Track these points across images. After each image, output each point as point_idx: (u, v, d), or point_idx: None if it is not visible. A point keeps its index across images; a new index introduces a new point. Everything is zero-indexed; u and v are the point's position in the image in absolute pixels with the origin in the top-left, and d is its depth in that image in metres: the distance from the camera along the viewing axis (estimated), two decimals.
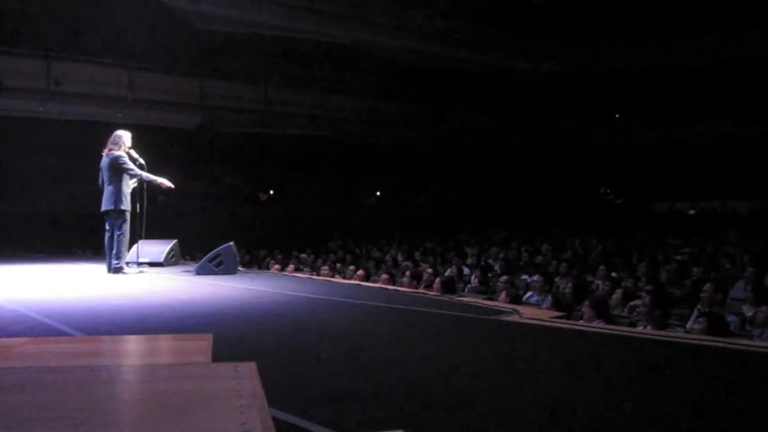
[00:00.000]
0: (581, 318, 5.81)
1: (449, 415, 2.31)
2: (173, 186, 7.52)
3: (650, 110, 22.67)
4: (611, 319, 5.55)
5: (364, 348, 3.51)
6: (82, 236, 13.45)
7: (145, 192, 7.62)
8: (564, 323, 4.67)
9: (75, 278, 7.47)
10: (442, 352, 3.43)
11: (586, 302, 5.79)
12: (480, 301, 6.09)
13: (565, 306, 6.12)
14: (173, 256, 8.78)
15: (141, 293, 5.81)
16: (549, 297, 6.54)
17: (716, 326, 4.52)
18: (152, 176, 7.36)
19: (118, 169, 7.14)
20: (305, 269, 10.88)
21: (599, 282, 7.74)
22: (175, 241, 8.98)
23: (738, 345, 3.73)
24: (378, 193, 24.89)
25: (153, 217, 7.88)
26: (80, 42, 16.11)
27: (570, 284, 7.55)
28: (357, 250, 13.62)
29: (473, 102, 22.98)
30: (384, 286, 7.10)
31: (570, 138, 24.02)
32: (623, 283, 7.18)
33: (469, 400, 2.49)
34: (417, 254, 11.94)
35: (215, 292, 5.92)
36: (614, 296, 6.44)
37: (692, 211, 24.01)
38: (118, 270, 7.18)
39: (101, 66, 16.48)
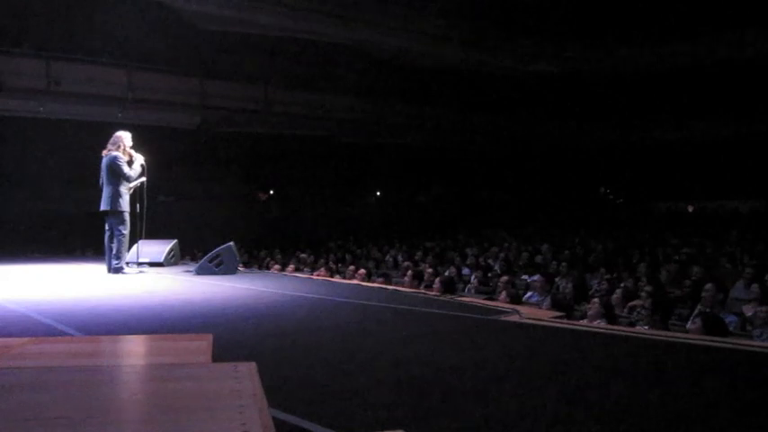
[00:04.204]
0: (581, 318, 5.82)
1: (448, 415, 2.31)
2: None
3: (651, 110, 22.68)
4: (611, 319, 5.55)
5: (364, 348, 3.51)
6: (82, 236, 13.45)
7: (145, 192, 7.63)
8: (564, 323, 4.67)
9: (75, 278, 7.47)
10: (441, 352, 3.43)
11: (595, 300, 5.80)
12: (480, 301, 6.09)
13: (565, 306, 6.12)
14: (173, 256, 8.78)
15: (141, 293, 5.81)
16: (549, 297, 6.55)
17: (711, 326, 4.51)
18: (136, 182, 7.42)
19: (114, 170, 7.16)
20: (305, 269, 10.88)
21: (598, 281, 7.74)
22: (175, 241, 8.98)
23: (738, 345, 3.73)
24: (378, 193, 24.90)
25: (153, 217, 7.89)
26: (80, 42, 16.10)
27: (570, 284, 7.55)
28: (357, 250, 13.62)
29: (473, 102, 23.00)
30: (384, 286, 7.10)
31: (570, 138, 24.02)
32: (623, 284, 7.18)
33: (469, 400, 2.49)
34: (418, 254, 11.94)
35: (215, 292, 5.92)
36: (614, 296, 6.44)
37: (690, 208, 24.02)
38: (118, 270, 7.19)
39: (101, 66, 16.46)
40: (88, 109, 16.23)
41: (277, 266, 11.00)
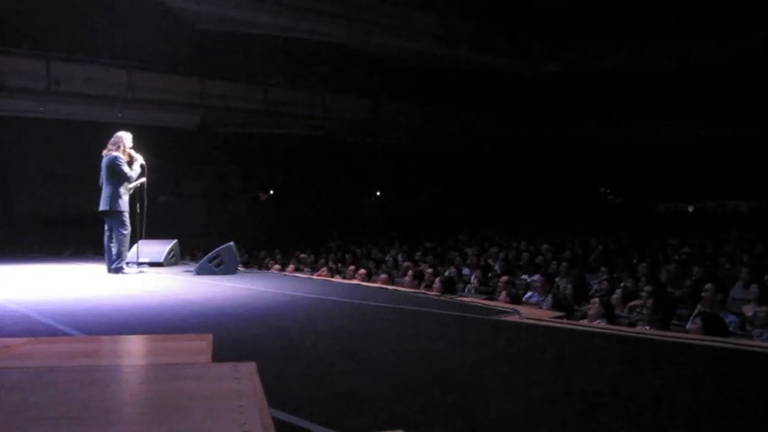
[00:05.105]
0: (581, 318, 5.81)
1: (449, 415, 2.31)
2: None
3: (650, 110, 22.68)
4: (611, 319, 5.55)
5: (364, 348, 3.51)
6: (81, 236, 13.45)
7: (145, 192, 7.63)
8: (564, 323, 4.67)
9: (75, 278, 7.47)
10: (441, 352, 3.43)
11: (595, 300, 5.79)
12: (480, 301, 6.09)
13: (565, 306, 6.12)
14: (173, 256, 8.78)
15: (141, 293, 5.81)
16: (550, 297, 6.54)
17: (711, 326, 4.51)
18: (137, 182, 7.45)
19: (114, 170, 7.17)
20: (305, 269, 10.87)
21: (598, 281, 7.73)
22: (175, 241, 8.98)
23: (738, 345, 3.73)
24: (378, 193, 24.90)
25: (153, 217, 7.89)
26: (80, 42, 16.10)
27: (570, 284, 7.54)
28: (357, 250, 13.61)
29: (473, 102, 23.00)
30: (384, 286, 7.10)
31: (570, 138, 24.03)
32: (623, 283, 7.18)
33: (469, 400, 2.49)
34: (417, 254, 11.93)
35: (215, 292, 5.92)
36: (614, 296, 6.43)
37: (690, 208, 24.04)
38: (118, 270, 7.19)
39: (101, 66, 16.47)
40: (88, 109, 16.23)
41: (277, 266, 10.99)
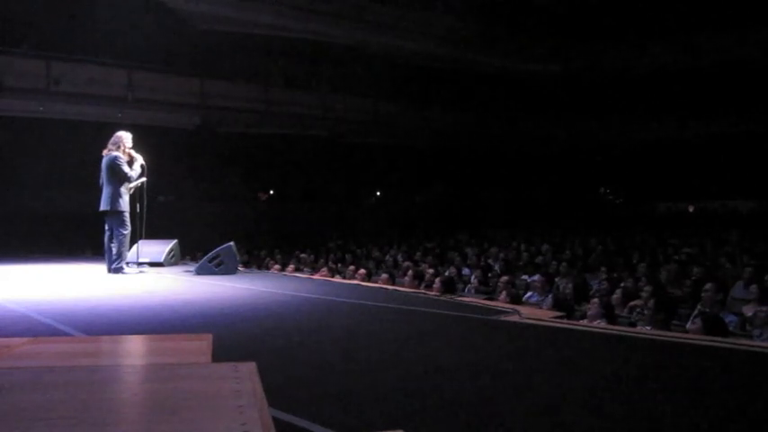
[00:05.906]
0: (581, 318, 5.81)
1: (448, 415, 2.31)
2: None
3: (650, 110, 22.68)
4: (611, 319, 5.55)
5: (364, 348, 3.51)
6: (82, 236, 13.44)
7: (145, 192, 7.63)
8: (564, 323, 4.67)
9: (75, 278, 7.47)
10: (442, 352, 3.43)
11: (595, 300, 5.79)
12: (480, 301, 6.09)
13: (565, 306, 6.11)
14: (173, 256, 8.78)
15: (141, 293, 5.81)
16: (550, 297, 6.54)
17: (711, 326, 4.50)
18: (137, 182, 7.45)
19: (114, 170, 7.17)
20: (305, 269, 10.87)
21: (598, 281, 7.73)
22: (175, 241, 8.98)
23: (738, 345, 3.73)
24: (378, 193, 24.89)
25: (153, 217, 7.89)
26: (80, 42, 16.10)
27: (570, 284, 7.54)
28: (357, 250, 13.61)
29: (473, 102, 22.99)
30: (384, 286, 7.10)
31: (570, 138, 24.03)
32: (623, 284, 7.18)
33: (469, 400, 2.49)
34: (417, 254, 11.93)
35: (215, 292, 5.92)
36: (614, 296, 6.43)
37: (690, 208, 24.05)
38: (118, 270, 7.19)
39: (101, 66, 16.47)
40: (88, 109, 16.23)
41: (277, 266, 10.99)
